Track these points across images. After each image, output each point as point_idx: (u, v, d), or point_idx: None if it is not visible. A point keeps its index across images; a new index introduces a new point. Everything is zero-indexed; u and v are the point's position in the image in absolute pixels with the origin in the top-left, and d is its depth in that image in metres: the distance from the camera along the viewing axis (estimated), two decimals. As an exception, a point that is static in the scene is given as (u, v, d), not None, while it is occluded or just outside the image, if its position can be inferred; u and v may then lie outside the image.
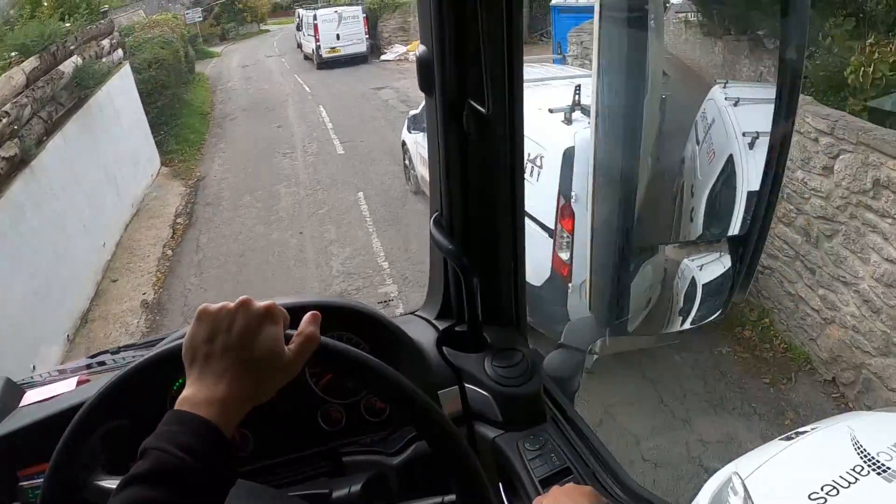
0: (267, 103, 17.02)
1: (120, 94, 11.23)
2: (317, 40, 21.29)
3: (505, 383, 1.25)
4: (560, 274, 4.57)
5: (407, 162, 8.93)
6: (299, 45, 26.04)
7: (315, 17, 21.49)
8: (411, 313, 1.53)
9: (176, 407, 0.77)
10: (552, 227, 4.56)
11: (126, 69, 12.24)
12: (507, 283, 1.37)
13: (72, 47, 9.78)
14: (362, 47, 21.57)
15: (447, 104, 1.17)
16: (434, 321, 1.45)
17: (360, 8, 22.16)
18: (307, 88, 18.19)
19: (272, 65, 24.90)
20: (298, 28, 25.27)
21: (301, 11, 26.12)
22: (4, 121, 6.81)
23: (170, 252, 8.39)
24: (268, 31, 37.50)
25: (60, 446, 0.93)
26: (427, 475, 1.20)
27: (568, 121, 4.55)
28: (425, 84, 1.18)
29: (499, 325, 1.38)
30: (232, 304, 0.84)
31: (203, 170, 11.91)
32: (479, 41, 1.08)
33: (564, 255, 4.53)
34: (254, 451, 1.26)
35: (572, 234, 4.46)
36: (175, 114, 14.52)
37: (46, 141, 7.79)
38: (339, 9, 22.07)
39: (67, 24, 10.78)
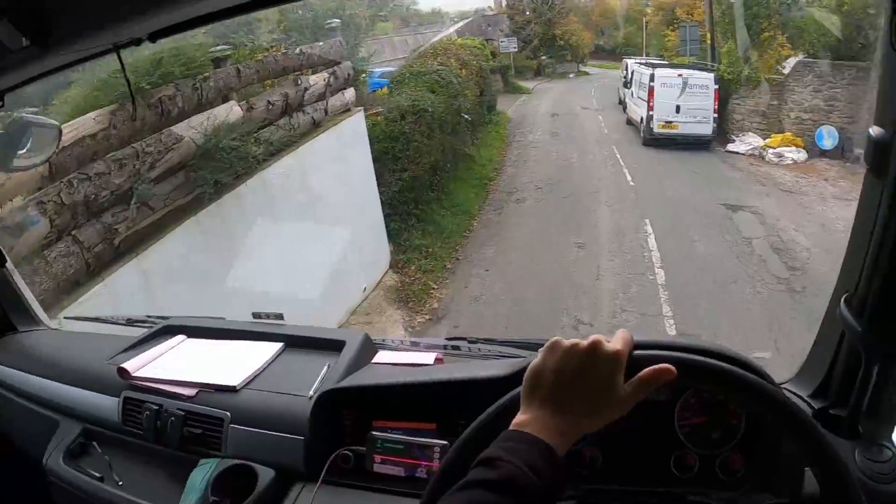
0: (571, 187, 13.16)
1: (327, 159, 8.84)
2: (649, 108, 16.85)
3: (873, 478, 1.22)
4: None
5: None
6: (622, 104, 21.81)
7: (652, 78, 16.96)
8: (780, 384, 1.42)
9: (517, 427, 0.92)
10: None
11: (355, 121, 9.54)
12: None
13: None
14: (707, 128, 16.68)
15: None
16: (807, 398, 1.41)
17: (712, 76, 17.18)
18: (628, 177, 13.93)
19: (587, 121, 21.06)
20: (626, 84, 20.92)
21: (630, 63, 21.78)
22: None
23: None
24: (587, 73, 34.27)
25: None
26: None
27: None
28: (875, 165, 1.14)
29: (876, 417, 1.29)
30: (584, 344, 0.96)
31: (444, 301, 8.46)
32: None
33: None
34: (600, 471, 1.36)
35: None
36: (437, 180, 11.50)
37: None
38: (685, 72, 17.31)
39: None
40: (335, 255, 8.03)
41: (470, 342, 1.76)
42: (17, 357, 2.16)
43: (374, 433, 1.45)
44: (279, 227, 7.35)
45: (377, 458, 1.44)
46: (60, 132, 2.02)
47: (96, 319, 2.40)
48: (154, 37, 1.37)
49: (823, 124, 15.33)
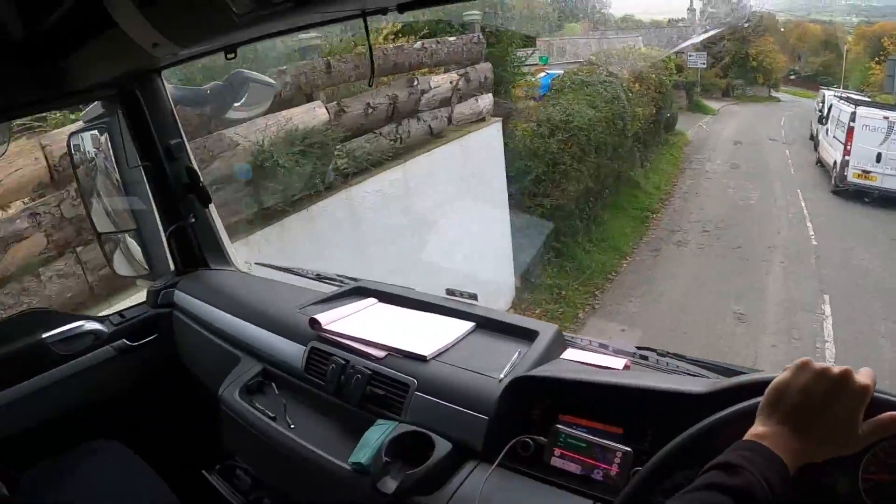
0: (744, 235, 11.93)
1: (444, 177, 7.84)
2: (846, 152, 14.92)
3: None
4: None
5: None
6: (814, 140, 19.69)
7: (853, 117, 14.95)
8: None
9: (753, 438, 0.92)
10: None
11: (489, 133, 8.70)
12: None
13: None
14: (915, 185, 14.55)
15: None
16: None
17: None
18: (811, 232, 12.39)
19: (772, 155, 19.32)
20: (821, 119, 18.72)
21: (828, 95, 19.60)
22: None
23: None
24: (778, 99, 31.73)
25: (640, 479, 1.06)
26: None
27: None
28: None
29: None
30: (835, 371, 0.94)
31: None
32: None
33: None
34: None
35: None
36: (587, 208, 10.58)
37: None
38: (892, 115, 14.89)
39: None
40: (435, 289, 7.25)
41: (659, 354, 1.70)
42: (206, 291, 2.28)
43: (559, 426, 1.41)
44: (357, 252, 6.43)
45: (557, 451, 1.40)
46: (277, 93, 2.11)
47: (287, 270, 2.46)
48: (403, 8, 1.31)
49: None
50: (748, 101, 30.25)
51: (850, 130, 14.84)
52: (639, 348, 1.71)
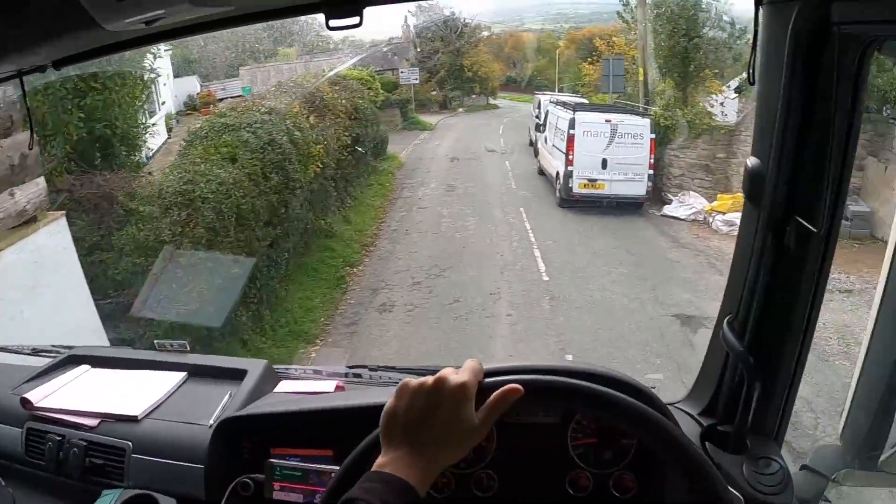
0: (462, 283, 9.21)
1: None
2: (568, 161, 13.01)
3: (760, 489, 1.27)
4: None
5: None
6: (534, 147, 18.22)
7: (572, 124, 13.10)
8: (671, 404, 1.51)
9: (377, 468, 0.95)
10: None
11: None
12: (781, 395, 1.38)
13: None
14: (641, 187, 13.03)
15: (772, 218, 1.23)
16: (697, 416, 1.51)
17: (647, 122, 13.45)
18: (541, 265, 9.95)
19: (491, 170, 17.40)
20: (539, 127, 17.11)
21: (543, 100, 18.34)
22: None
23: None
24: (496, 106, 31.93)
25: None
26: None
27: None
28: (752, 195, 1.26)
29: (761, 432, 1.39)
30: (430, 381, 0.99)
31: None
32: (820, 161, 1.16)
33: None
34: (497, 494, 1.46)
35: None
36: (256, 290, 7.80)
37: None
38: (614, 117, 13.38)
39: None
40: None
41: (371, 370, 1.85)
42: None
43: (272, 461, 1.46)
44: None
45: (276, 485, 1.45)
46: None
47: (1, 349, 2.28)
48: (58, 64, 1.39)
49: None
50: (467, 111, 30.03)
51: (571, 138, 12.96)
52: (350, 367, 1.90)
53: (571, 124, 13.02)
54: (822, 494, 1.40)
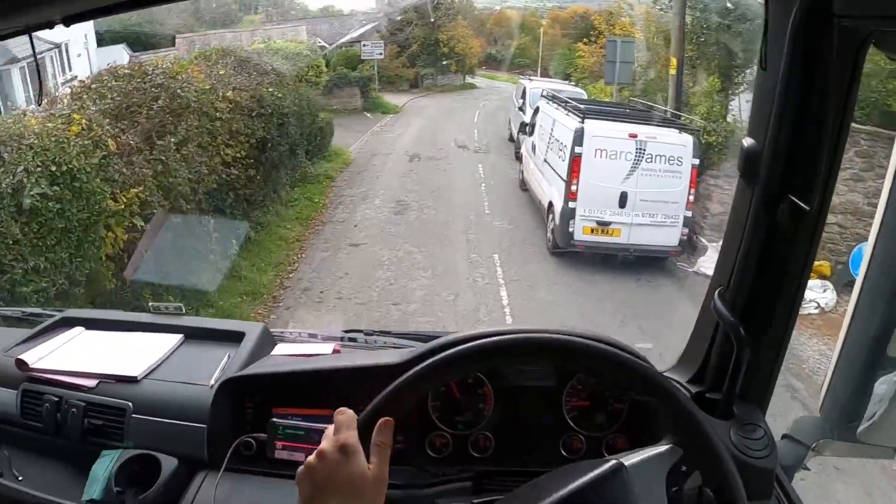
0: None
1: None
2: (570, 195, 8.82)
3: (747, 454, 1.31)
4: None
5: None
6: (516, 151, 14.21)
7: (579, 137, 8.82)
8: (661, 373, 1.48)
9: None
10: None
11: None
12: (768, 364, 1.42)
13: None
14: (673, 236, 8.97)
15: (766, 196, 1.26)
16: (686, 384, 1.53)
17: (690, 140, 8.98)
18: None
19: (459, 179, 13.37)
20: (524, 127, 12.75)
21: (531, 89, 14.86)
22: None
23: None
24: (474, 85, 29.25)
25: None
26: None
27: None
28: (748, 173, 1.28)
29: (747, 400, 1.43)
30: (312, 460, 0.94)
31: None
32: (815, 144, 1.20)
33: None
34: (494, 454, 1.49)
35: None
36: None
37: None
38: (641, 130, 8.96)
39: None
40: None
41: (366, 334, 1.87)
42: None
43: (274, 420, 1.45)
44: None
45: (278, 444, 1.44)
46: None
47: None
48: (68, 21, 1.30)
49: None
50: (440, 91, 27.42)
51: (576, 160, 8.75)
52: (346, 332, 1.89)
53: (578, 138, 8.75)
54: (802, 462, 1.48)
